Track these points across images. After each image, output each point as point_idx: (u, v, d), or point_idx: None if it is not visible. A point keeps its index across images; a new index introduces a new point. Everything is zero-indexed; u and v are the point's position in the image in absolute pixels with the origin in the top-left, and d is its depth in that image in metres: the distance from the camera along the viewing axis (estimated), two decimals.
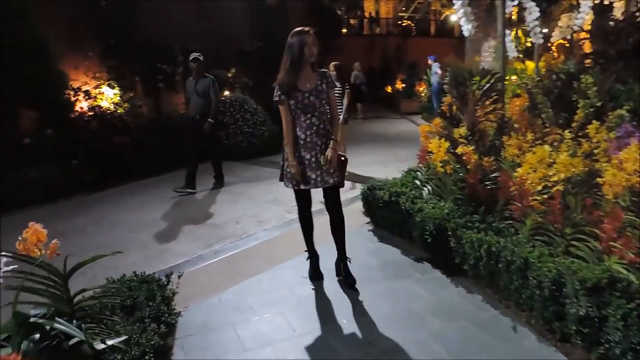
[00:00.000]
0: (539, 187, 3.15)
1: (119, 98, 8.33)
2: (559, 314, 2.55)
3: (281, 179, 3.40)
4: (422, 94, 14.84)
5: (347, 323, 2.93)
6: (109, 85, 8.31)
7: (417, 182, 4.41)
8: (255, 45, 11.19)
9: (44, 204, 6.07)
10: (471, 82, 4.40)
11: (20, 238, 1.92)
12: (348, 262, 3.46)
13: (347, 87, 6.64)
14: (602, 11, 7.59)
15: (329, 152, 3.18)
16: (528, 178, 3.22)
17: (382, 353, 2.62)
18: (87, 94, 7.89)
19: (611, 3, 7.78)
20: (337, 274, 3.53)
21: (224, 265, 3.91)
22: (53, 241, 1.96)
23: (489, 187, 3.77)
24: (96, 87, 8.17)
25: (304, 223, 3.52)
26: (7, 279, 1.97)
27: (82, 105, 7.86)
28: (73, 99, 7.69)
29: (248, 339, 2.79)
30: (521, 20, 9.88)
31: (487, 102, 4.33)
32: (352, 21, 23.74)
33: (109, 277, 2.79)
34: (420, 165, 4.53)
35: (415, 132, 9.61)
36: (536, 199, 3.13)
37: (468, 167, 3.89)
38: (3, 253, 1.92)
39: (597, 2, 7.72)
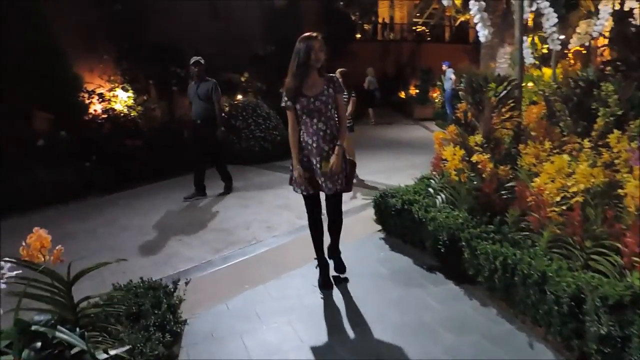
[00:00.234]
0: (558, 198, 3.05)
1: (132, 101, 8.37)
2: (579, 331, 2.44)
3: (290, 184, 3.41)
4: (436, 100, 14.72)
5: (356, 334, 2.85)
6: (123, 88, 8.36)
7: (431, 190, 4.32)
8: (268, 49, 11.19)
9: (56, 206, 6.10)
10: (487, 88, 4.31)
11: (24, 244, 1.88)
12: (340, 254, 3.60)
13: (352, 94, 6.58)
14: (622, 17, 7.42)
15: (332, 158, 3.18)
16: (546, 188, 3.12)
17: None
18: (101, 96, 7.93)
19: (632, 9, 7.61)
20: (329, 256, 3.62)
21: (232, 272, 3.86)
22: (57, 247, 1.92)
23: (504, 196, 3.66)
24: (110, 90, 8.23)
25: (314, 229, 3.48)
26: (11, 285, 1.93)
27: (96, 107, 7.91)
28: (87, 101, 7.74)
29: (255, 349, 2.72)
30: (537, 26, 9.74)
31: (504, 110, 4.22)
32: (366, 26, 23.72)
33: (116, 283, 2.75)
34: (434, 173, 4.43)
35: (428, 139, 9.50)
36: (554, 210, 3.03)
37: (483, 175, 3.79)
38: (6, 258, 1.88)
39: (617, 8, 7.56)
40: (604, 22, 8.01)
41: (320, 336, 2.85)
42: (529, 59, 8.16)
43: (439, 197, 4.12)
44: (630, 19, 7.48)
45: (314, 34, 3.15)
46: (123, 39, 8.43)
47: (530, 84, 8.29)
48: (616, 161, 3.37)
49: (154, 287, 2.67)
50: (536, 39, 11.90)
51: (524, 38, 6.42)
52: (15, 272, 1.97)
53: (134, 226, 5.23)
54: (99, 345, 2.02)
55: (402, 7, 23.32)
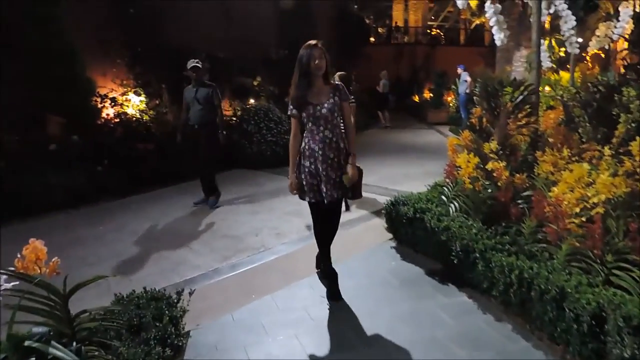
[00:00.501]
0: (577, 209, 2.91)
1: (144, 105, 8.38)
2: (599, 352, 2.31)
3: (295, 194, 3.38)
4: (451, 104, 14.54)
5: (365, 350, 2.75)
6: (136, 93, 8.37)
7: (444, 198, 4.19)
8: (281, 53, 11.15)
9: (67, 210, 6.10)
10: (502, 93, 4.18)
11: (19, 255, 1.83)
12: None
13: (352, 100, 6.49)
14: None
15: (349, 170, 3.18)
16: (565, 198, 2.98)
17: None
18: (113, 100, 7.95)
19: None
20: (317, 266, 3.71)
21: (239, 281, 3.79)
22: (53, 259, 1.86)
23: (520, 206, 3.53)
24: (123, 94, 8.24)
25: (320, 240, 3.42)
26: (7, 297, 1.88)
27: (109, 112, 7.93)
28: (100, 105, 7.76)
29: None
30: (555, 29, 9.53)
31: (520, 115, 4.09)
32: (380, 30, 23.63)
33: (118, 293, 2.69)
34: (447, 180, 4.31)
35: (442, 143, 9.35)
36: (573, 222, 2.89)
37: (498, 184, 3.67)
38: (0, 271, 1.82)
39: (638, 9, 7.35)
40: (625, 25, 7.79)
41: (327, 351, 2.76)
42: (546, 63, 7.98)
43: (452, 205, 3.99)
44: None
45: (313, 42, 3.14)
46: (136, 43, 8.44)
47: (547, 88, 8.09)
48: (639, 170, 3.23)
49: (157, 298, 2.60)
50: (553, 42, 11.67)
51: (541, 41, 6.25)
52: (12, 284, 1.91)
53: (144, 231, 5.20)
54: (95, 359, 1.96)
55: (416, 10, 23.17)
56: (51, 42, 6.84)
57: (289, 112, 3.25)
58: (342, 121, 3.27)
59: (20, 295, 1.80)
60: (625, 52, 9.89)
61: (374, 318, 3.08)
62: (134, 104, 8.32)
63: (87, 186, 6.49)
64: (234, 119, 9.34)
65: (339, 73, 5.94)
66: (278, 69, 10.70)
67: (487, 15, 4.80)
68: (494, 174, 3.67)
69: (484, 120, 4.39)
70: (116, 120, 7.86)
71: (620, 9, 8.07)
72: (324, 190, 3.18)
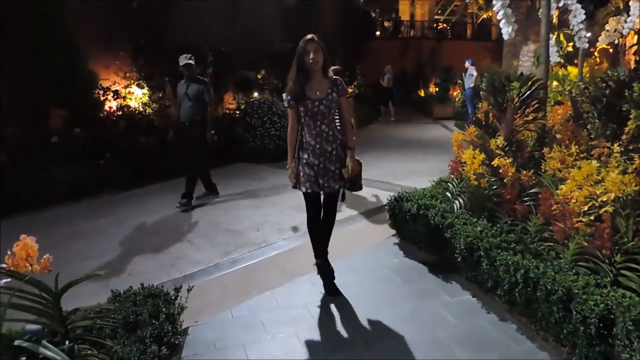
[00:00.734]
0: (585, 207, 2.83)
1: (147, 98, 8.32)
2: (607, 355, 2.24)
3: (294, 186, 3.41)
4: (456, 99, 14.40)
5: (365, 350, 2.70)
6: (138, 85, 8.32)
7: (448, 194, 4.12)
8: (285, 46, 11.05)
9: (69, 203, 6.07)
10: (510, 88, 4.09)
11: (9, 252, 1.78)
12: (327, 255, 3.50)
13: (348, 95, 6.38)
14: None
15: (349, 163, 3.24)
16: (572, 196, 2.91)
17: None
18: (116, 93, 7.90)
19: None
20: (315, 256, 3.55)
21: (239, 277, 3.74)
22: (45, 256, 1.80)
23: (527, 203, 3.45)
24: (126, 87, 8.19)
25: (313, 232, 3.44)
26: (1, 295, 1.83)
27: (111, 104, 7.88)
28: (102, 98, 7.71)
29: None
30: (563, 23, 9.39)
31: (528, 111, 4.00)
32: (386, 24, 23.44)
33: (114, 290, 2.65)
34: (452, 176, 4.23)
35: (447, 139, 9.25)
36: (581, 221, 2.82)
37: (505, 180, 3.59)
38: None
39: None
40: (634, 19, 7.66)
41: (328, 350, 2.71)
42: (554, 58, 7.86)
43: (456, 202, 3.92)
44: None
45: (309, 36, 3.13)
46: (140, 35, 8.38)
47: (554, 84, 7.98)
48: None
49: (154, 295, 2.55)
50: (561, 37, 11.52)
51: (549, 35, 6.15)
52: (3, 281, 1.87)
53: (145, 225, 5.16)
54: (90, 358, 1.91)
55: (423, 4, 22.96)
56: (54, 34, 6.80)
57: (285, 103, 3.27)
58: (337, 115, 3.32)
59: (11, 293, 1.76)
60: (635, 47, 9.73)
61: (375, 316, 3.02)
62: (137, 96, 8.28)
63: (89, 179, 6.46)
64: (238, 112, 9.28)
65: (333, 67, 5.84)
66: (282, 63, 10.61)
67: (494, 8, 4.70)
68: (500, 171, 3.59)
69: (491, 115, 4.31)
70: (119, 113, 7.82)
71: (630, 3, 7.93)
72: (322, 182, 3.21)
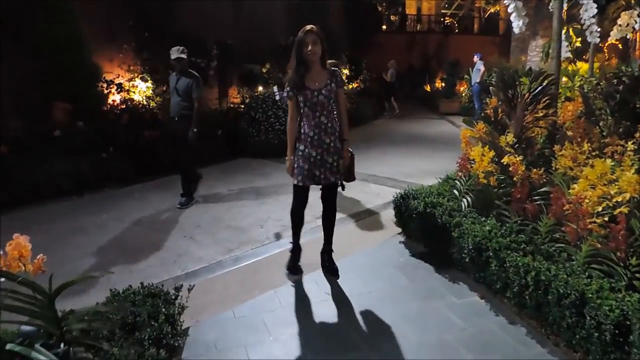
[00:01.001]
0: (599, 208, 2.74)
1: (151, 92, 8.24)
2: None
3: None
4: (463, 94, 14.25)
5: (369, 352, 2.62)
6: (142, 79, 8.23)
7: (456, 192, 4.02)
8: (290, 40, 10.93)
9: (71, 197, 6.02)
10: (520, 83, 3.99)
11: (0, 252, 1.71)
12: (332, 253, 3.61)
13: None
14: None
15: (344, 155, 3.34)
16: (586, 196, 2.81)
17: None
18: (119, 86, 7.83)
19: None
20: (322, 264, 3.62)
21: (242, 275, 3.66)
22: (38, 256, 1.73)
23: (537, 202, 3.36)
24: (130, 80, 8.12)
25: (296, 219, 3.55)
26: None
27: (115, 98, 7.81)
28: (106, 91, 7.64)
29: None
30: (571, 18, 9.21)
31: (539, 107, 3.89)
32: (392, 18, 23.22)
33: (113, 289, 2.58)
34: (460, 174, 4.13)
35: (454, 134, 9.13)
36: (595, 221, 2.72)
37: (514, 179, 3.49)
38: None
39: None
40: None
41: (331, 352, 2.63)
42: (564, 53, 7.71)
43: (464, 200, 3.82)
44: None
45: (308, 27, 3.16)
46: (144, 28, 8.29)
47: (564, 79, 7.83)
48: None
49: (154, 295, 2.48)
50: (571, 31, 11.34)
51: None
52: None
53: (147, 221, 5.10)
54: None
55: None
56: (57, 27, 6.71)
57: (285, 93, 3.31)
58: (335, 107, 3.35)
59: (3, 294, 1.69)
60: None
61: (381, 318, 2.94)
62: (141, 90, 8.19)
63: (92, 173, 6.39)
64: (242, 106, 9.19)
65: (329, 61, 5.72)
66: (287, 56, 10.48)
67: (505, 1, 4.57)
68: (510, 169, 3.49)
69: (500, 111, 4.21)
70: (122, 106, 7.73)
71: None
72: (318, 174, 3.26)
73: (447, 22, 23.55)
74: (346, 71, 13.76)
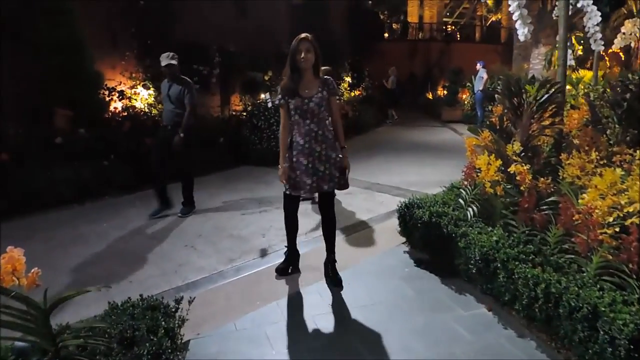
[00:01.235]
0: (610, 218, 2.67)
1: (153, 99, 8.22)
2: None
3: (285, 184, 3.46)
4: (465, 102, 14.23)
5: None
6: (144, 86, 8.22)
7: (461, 201, 3.96)
8: None
9: (72, 205, 5.96)
10: (525, 91, 3.93)
11: None
12: (335, 263, 3.56)
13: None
14: None
15: (345, 163, 3.35)
16: (596, 206, 2.75)
17: None
18: (121, 94, 7.80)
19: None
20: (325, 274, 3.56)
21: (244, 285, 3.60)
22: (33, 270, 1.68)
23: (545, 212, 3.29)
24: (132, 87, 8.10)
25: (288, 226, 3.60)
26: None
27: (117, 105, 7.79)
28: (107, 99, 7.61)
29: None
30: (573, 26, 9.20)
31: (545, 115, 3.84)
32: (394, 26, 23.31)
33: (112, 301, 2.51)
34: (465, 182, 4.07)
35: (457, 142, 9.08)
36: (606, 232, 2.66)
37: (521, 188, 3.43)
38: None
39: None
40: None
41: None
42: (568, 61, 7.68)
43: (470, 209, 3.76)
44: None
45: (302, 35, 3.18)
46: (146, 35, 8.29)
47: (567, 87, 7.79)
48: None
49: (153, 307, 2.42)
50: (573, 39, 11.33)
51: None
52: None
53: (147, 229, 5.04)
54: None
55: (431, 6, 22.79)
56: (59, 34, 6.71)
57: (276, 101, 3.31)
58: (328, 115, 3.32)
59: None
60: None
61: (386, 332, 2.87)
62: (143, 97, 8.17)
63: (93, 181, 6.35)
64: (244, 114, 9.16)
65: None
66: None
67: (510, 9, 4.54)
68: (517, 178, 3.43)
69: (505, 119, 4.15)
70: (124, 114, 7.71)
71: None
72: (310, 182, 3.24)
73: (449, 30, 23.63)
74: (348, 79, 13.77)
